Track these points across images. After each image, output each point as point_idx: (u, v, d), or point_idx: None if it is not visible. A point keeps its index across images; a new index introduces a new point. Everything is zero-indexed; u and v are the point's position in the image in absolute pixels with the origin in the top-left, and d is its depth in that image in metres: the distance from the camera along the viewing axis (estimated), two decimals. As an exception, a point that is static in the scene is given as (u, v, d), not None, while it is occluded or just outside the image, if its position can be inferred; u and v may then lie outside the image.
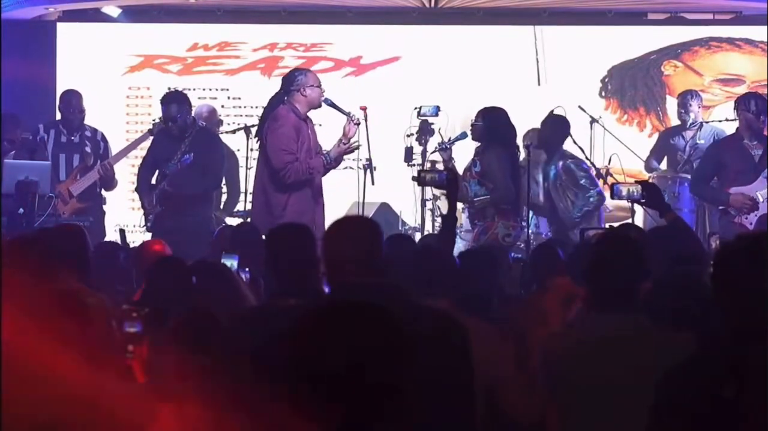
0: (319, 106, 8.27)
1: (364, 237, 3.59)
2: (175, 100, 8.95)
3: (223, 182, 9.72)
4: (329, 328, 2.15)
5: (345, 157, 8.51)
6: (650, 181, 9.21)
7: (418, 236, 8.87)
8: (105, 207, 9.87)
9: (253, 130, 9.59)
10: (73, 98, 9.75)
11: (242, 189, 9.79)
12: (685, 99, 9.97)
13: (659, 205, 5.81)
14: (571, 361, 3.65)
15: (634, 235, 4.58)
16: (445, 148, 8.61)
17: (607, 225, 8.43)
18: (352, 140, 8.26)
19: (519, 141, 8.96)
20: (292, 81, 8.23)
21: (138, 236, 10.24)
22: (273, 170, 8.11)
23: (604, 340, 3.65)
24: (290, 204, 8.10)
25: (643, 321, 3.68)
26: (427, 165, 8.90)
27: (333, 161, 8.25)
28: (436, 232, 8.95)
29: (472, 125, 8.61)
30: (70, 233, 5.54)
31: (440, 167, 8.55)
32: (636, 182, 6.30)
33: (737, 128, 8.96)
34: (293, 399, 2.13)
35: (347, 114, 8.26)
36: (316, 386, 2.11)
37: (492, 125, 8.37)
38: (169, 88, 9.32)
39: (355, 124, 8.22)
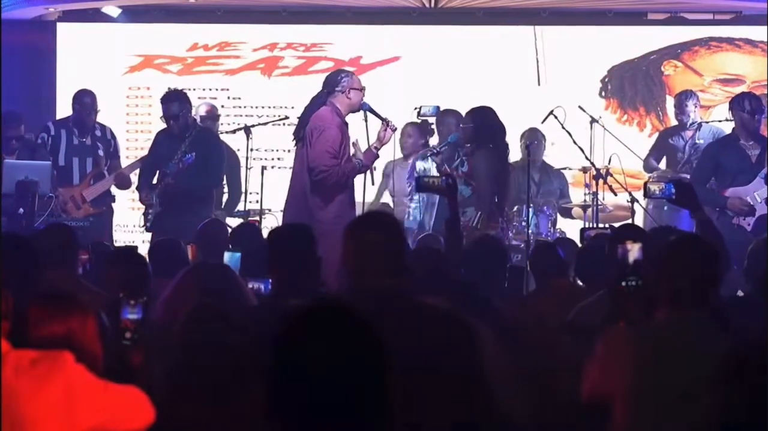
0: (359, 110, 8.25)
1: (380, 239, 3.55)
2: (176, 99, 8.96)
3: (225, 181, 9.73)
4: (304, 331, 2.17)
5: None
6: (648, 181, 9.23)
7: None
8: (114, 205, 9.87)
9: (254, 130, 9.61)
10: (88, 99, 9.75)
11: (242, 189, 9.78)
12: (680, 100, 9.99)
13: (691, 203, 5.82)
14: (642, 357, 3.67)
15: (635, 235, 4.58)
16: (437, 152, 8.61)
17: (606, 225, 8.42)
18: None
19: (515, 140, 8.97)
20: (337, 82, 8.17)
21: (138, 236, 10.26)
22: (315, 171, 8.07)
23: (684, 336, 3.68)
24: (330, 208, 8.06)
25: (711, 322, 3.72)
26: (420, 170, 8.91)
27: (364, 166, 8.22)
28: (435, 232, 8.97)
29: (461, 127, 8.61)
30: (57, 233, 5.60)
31: (434, 172, 8.56)
32: (669, 179, 6.32)
33: (733, 128, 8.96)
34: (275, 399, 2.15)
35: (384, 120, 8.23)
36: (296, 390, 2.13)
37: (482, 125, 8.37)
38: (169, 89, 9.32)
39: (391, 130, 8.21)
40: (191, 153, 8.78)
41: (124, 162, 10.10)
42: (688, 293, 3.74)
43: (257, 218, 9.31)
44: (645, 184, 6.15)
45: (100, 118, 9.94)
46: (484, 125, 8.36)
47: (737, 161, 8.74)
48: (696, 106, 9.92)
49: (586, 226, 8.72)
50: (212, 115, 10.05)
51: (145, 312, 3.63)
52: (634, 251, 4.12)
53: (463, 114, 8.75)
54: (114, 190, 9.81)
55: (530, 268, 6.46)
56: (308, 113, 8.22)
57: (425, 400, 3.17)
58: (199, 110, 10.02)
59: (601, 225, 8.66)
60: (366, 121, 8.35)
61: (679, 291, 3.75)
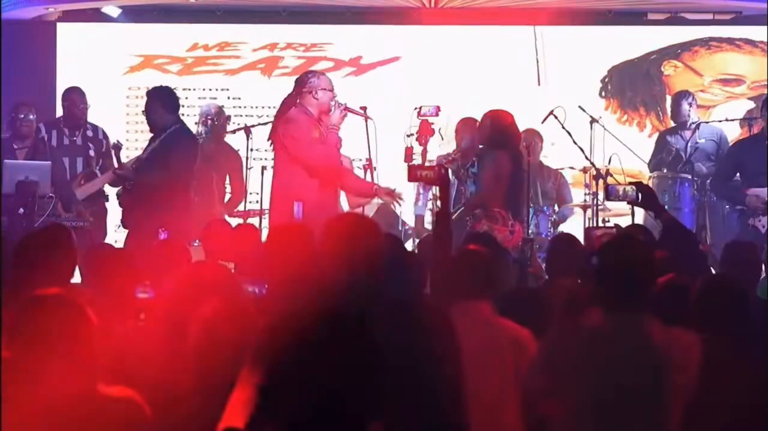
0: (330, 111, 8.20)
1: (357, 237, 3.56)
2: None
3: (228, 181, 9.71)
4: (300, 334, 2.17)
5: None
6: (649, 182, 9.23)
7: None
8: (107, 205, 9.81)
9: (254, 130, 9.59)
10: (75, 95, 9.73)
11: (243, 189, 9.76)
12: (675, 101, 10.01)
13: (654, 206, 5.79)
14: (577, 359, 3.66)
15: (643, 236, 4.58)
16: (451, 159, 8.62)
17: (613, 224, 8.41)
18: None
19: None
20: (304, 83, 8.19)
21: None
22: (310, 168, 8.01)
23: (612, 338, 3.67)
24: (309, 199, 8.01)
25: (651, 321, 3.69)
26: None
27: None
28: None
29: (477, 126, 8.62)
30: (56, 234, 5.57)
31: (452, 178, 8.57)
32: (630, 182, 6.26)
33: (762, 129, 8.93)
34: (272, 401, 2.15)
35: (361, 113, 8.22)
36: (292, 390, 2.13)
37: (495, 128, 8.37)
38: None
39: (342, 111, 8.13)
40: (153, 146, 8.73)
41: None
42: (620, 295, 3.69)
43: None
44: (606, 186, 6.09)
45: (100, 117, 9.92)
46: (499, 128, 8.35)
47: (761, 162, 8.70)
48: (691, 106, 9.90)
49: (591, 225, 8.71)
50: (222, 114, 10.03)
51: (155, 292, 3.69)
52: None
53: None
54: (107, 189, 9.76)
55: (546, 262, 6.38)
56: (279, 115, 8.20)
57: (410, 396, 3.19)
58: (209, 110, 10.00)
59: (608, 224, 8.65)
60: (369, 125, 8.33)
61: (611, 293, 3.71)
